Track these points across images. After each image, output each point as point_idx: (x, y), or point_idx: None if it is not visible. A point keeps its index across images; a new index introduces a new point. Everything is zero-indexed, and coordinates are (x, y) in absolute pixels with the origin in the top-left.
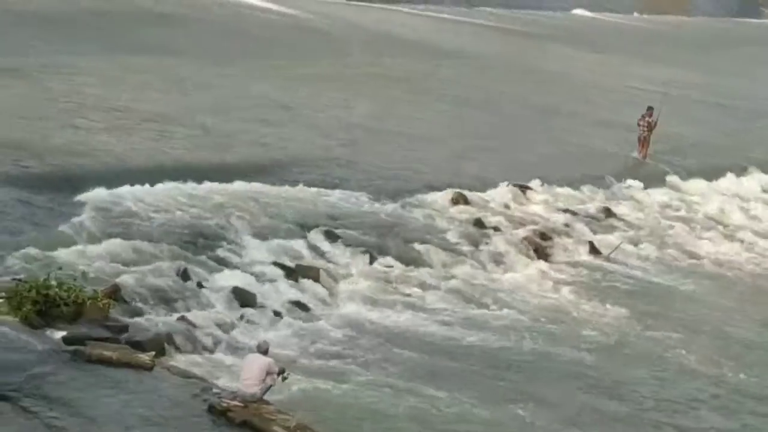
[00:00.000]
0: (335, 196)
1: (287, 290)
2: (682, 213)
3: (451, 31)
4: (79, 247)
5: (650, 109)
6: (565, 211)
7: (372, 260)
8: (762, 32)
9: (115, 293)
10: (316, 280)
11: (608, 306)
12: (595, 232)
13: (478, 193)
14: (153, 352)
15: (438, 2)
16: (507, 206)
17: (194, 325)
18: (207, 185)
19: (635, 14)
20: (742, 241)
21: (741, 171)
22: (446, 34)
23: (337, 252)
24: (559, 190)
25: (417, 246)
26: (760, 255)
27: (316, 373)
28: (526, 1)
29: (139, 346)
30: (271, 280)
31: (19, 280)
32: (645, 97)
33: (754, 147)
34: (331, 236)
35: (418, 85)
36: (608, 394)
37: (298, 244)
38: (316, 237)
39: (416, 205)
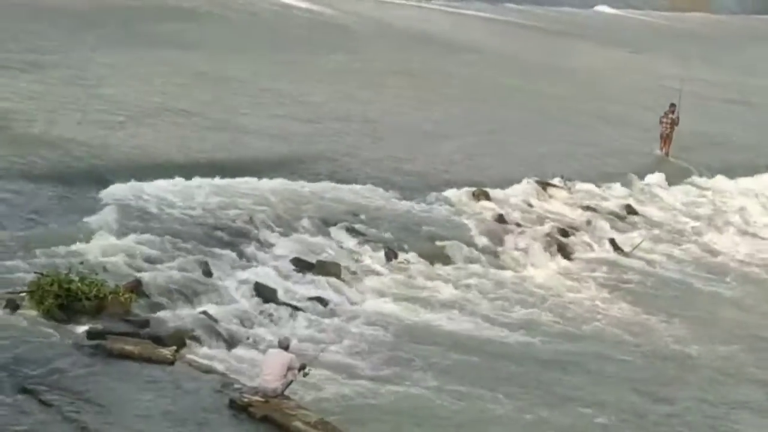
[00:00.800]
0: (357, 191)
1: (308, 286)
2: (705, 211)
3: (474, 27)
4: (101, 241)
5: (672, 105)
6: (587, 208)
7: (393, 256)
8: None
9: (136, 288)
10: (338, 276)
11: (630, 304)
12: (616, 230)
13: (500, 190)
14: (174, 347)
15: None
16: (529, 203)
17: (215, 320)
18: (229, 180)
19: (657, 12)
20: (764, 239)
21: (765, 169)
22: (469, 31)
23: (359, 248)
24: (580, 186)
25: (439, 242)
26: None
27: (336, 369)
28: None
29: (160, 340)
30: (293, 276)
31: (42, 274)
32: (667, 94)
33: None
34: (352, 232)
35: (441, 81)
36: (635, 391)
37: (320, 240)
38: (338, 233)
39: (438, 202)
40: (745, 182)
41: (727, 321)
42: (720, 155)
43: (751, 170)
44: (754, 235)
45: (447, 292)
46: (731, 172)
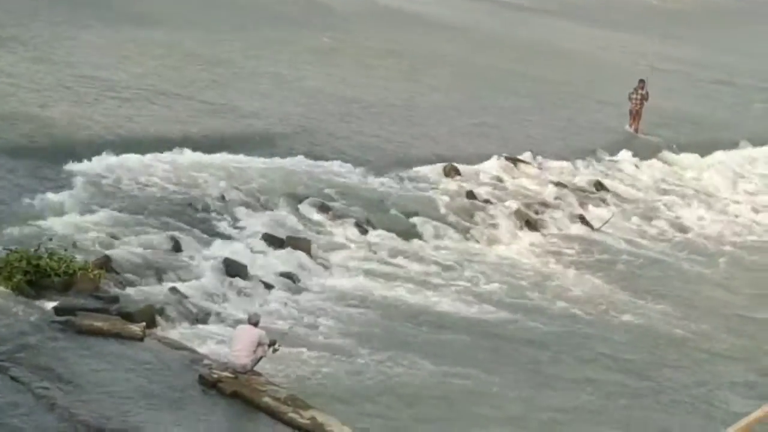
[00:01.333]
0: (328, 168)
1: (278, 262)
2: (674, 187)
3: (456, 5)
4: (71, 217)
5: (642, 81)
6: (557, 184)
7: (364, 232)
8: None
9: (106, 264)
10: (308, 252)
11: (598, 279)
12: (586, 205)
13: (471, 166)
14: (144, 323)
15: None
16: (499, 179)
17: (185, 296)
18: (199, 156)
19: None
20: (731, 215)
21: (733, 145)
22: (451, 9)
23: (329, 224)
24: (551, 163)
25: (409, 218)
26: (751, 229)
27: (306, 345)
28: None
29: (129, 317)
30: (262, 252)
31: (10, 250)
32: (641, 72)
33: (747, 122)
34: (323, 208)
35: (418, 59)
36: (599, 364)
37: (290, 216)
38: (308, 209)
39: (409, 178)
40: (714, 159)
41: (698, 297)
42: (690, 132)
43: (721, 147)
44: (723, 212)
45: (417, 267)
46: (701, 149)
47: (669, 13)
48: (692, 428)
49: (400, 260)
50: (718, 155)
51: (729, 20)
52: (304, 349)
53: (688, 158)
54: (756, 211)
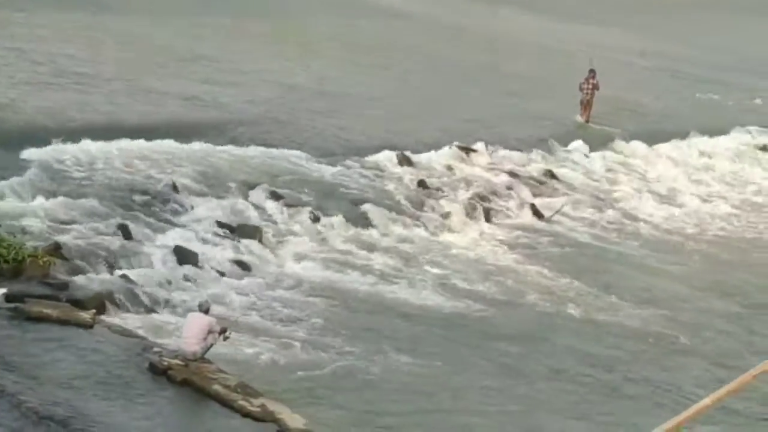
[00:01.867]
0: (280, 155)
1: (229, 249)
2: (624, 176)
3: None
4: (20, 204)
5: (592, 71)
6: (509, 173)
7: (315, 220)
8: None
9: (56, 251)
10: (259, 239)
11: (548, 268)
12: (537, 195)
13: (423, 155)
14: (93, 310)
15: None
16: (451, 168)
17: (135, 284)
18: (150, 144)
19: None
20: (682, 205)
21: (683, 135)
22: None
23: (280, 211)
24: (502, 152)
25: (360, 206)
26: (700, 218)
27: (257, 333)
28: None
29: (79, 303)
30: (213, 240)
31: None
32: (593, 62)
33: (696, 112)
34: (274, 196)
35: (369, 47)
36: (546, 353)
37: (241, 204)
38: (259, 196)
39: (361, 166)
40: (664, 148)
41: (649, 288)
42: (640, 121)
43: (671, 137)
44: (672, 201)
45: (369, 256)
46: (651, 138)
47: (624, 4)
48: (658, 420)
49: (352, 248)
50: (669, 145)
51: (679, 10)
52: (255, 337)
53: (638, 148)
54: (705, 201)
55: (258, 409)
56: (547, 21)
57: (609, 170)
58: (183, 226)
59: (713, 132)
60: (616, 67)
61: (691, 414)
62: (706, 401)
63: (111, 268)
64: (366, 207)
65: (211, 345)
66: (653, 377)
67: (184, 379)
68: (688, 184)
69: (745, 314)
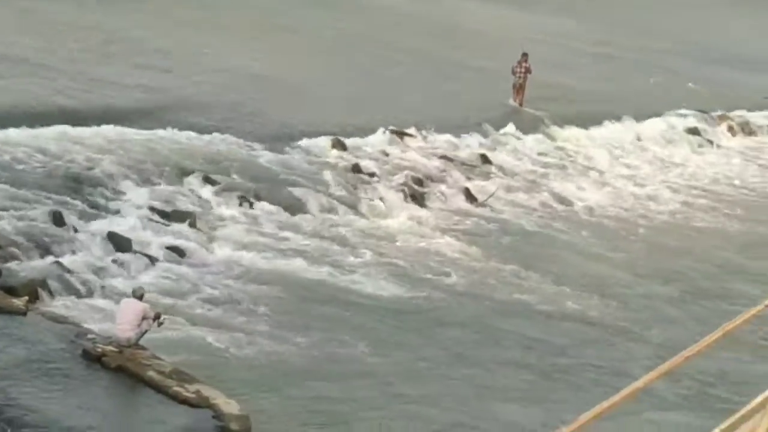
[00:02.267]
0: (214, 141)
1: (164, 235)
2: (557, 160)
3: None
4: None
5: (525, 55)
6: (442, 157)
7: (250, 205)
8: None
9: None
10: (194, 225)
11: (482, 252)
12: (471, 179)
13: (357, 139)
14: (26, 297)
15: None
16: (385, 152)
17: (69, 270)
18: (84, 130)
19: None
20: (614, 188)
21: (616, 119)
22: None
23: (215, 197)
24: (436, 136)
25: (295, 191)
26: (632, 202)
27: (191, 318)
28: None
29: (12, 291)
30: (147, 225)
31: None
32: (530, 47)
33: (629, 96)
34: (208, 181)
35: (305, 33)
36: (494, 339)
37: (176, 189)
38: (194, 182)
39: (295, 151)
40: (597, 132)
41: (586, 272)
42: (574, 105)
43: (605, 121)
44: (605, 184)
45: (303, 241)
46: (584, 122)
47: None
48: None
49: (286, 234)
50: (602, 129)
51: None
52: (189, 323)
53: (571, 132)
54: (638, 184)
55: (193, 396)
56: (483, 5)
57: (542, 154)
58: (116, 212)
59: (646, 115)
60: (551, 51)
61: (622, 397)
62: (638, 384)
63: (44, 254)
64: (301, 192)
65: (146, 331)
66: (599, 362)
67: (119, 366)
68: (621, 167)
69: (686, 299)
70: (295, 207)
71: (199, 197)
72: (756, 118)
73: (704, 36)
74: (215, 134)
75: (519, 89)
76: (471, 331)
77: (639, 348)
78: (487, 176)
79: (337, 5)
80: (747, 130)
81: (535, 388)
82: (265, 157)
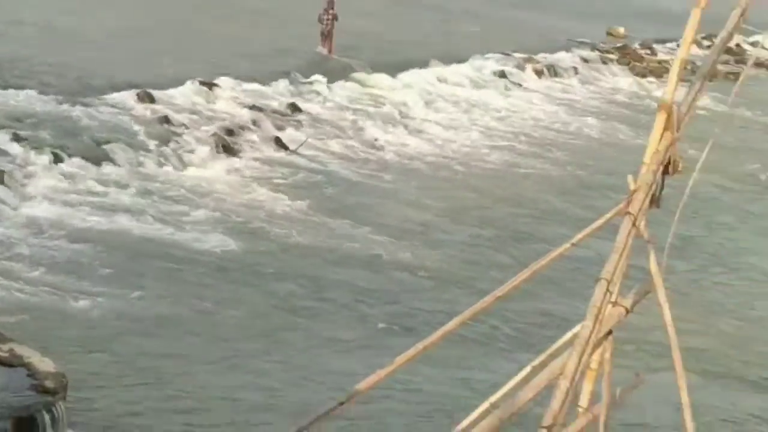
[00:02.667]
0: (18, 96)
1: None
2: (367, 107)
3: None
4: None
5: (331, 2)
6: (252, 107)
7: (58, 160)
8: None
9: None
10: (1, 182)
11: (295, 200)
12: (282, 128)
13: (165, 91)
14: None
15: None
16: (194, 103)
17: None
18: None
19: None
20: (428, 134)
21: (423, 64)
22: None
23: (22, 153)
24: (245, 86)
25: (104, 145)
26: (441, 147)
27: (4, 276)
28: None
29: None
30: None
31: None
32: None
33: (435, 40)
34: (15, 137)
35: None
36: (322, 288)
37: None
38: (1, 139)
39: (102, 104)
40: (405, 77)
41: (385, 211)
42: (381, 52)
43: (413, 66)
44: (414, 130)
45: (114, 195)
46: (392, 68)
47: None
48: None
49: (98, 188)
50: (410, 74)
51: None
52: (6, 283)
53: (380, 78)
54: (447, 128)
55: (6, 354)
56: None
57: (352, 101)
58: None
59: (453, 60)
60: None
61: (436, 338)
62: (450, 326)
63: None
64: (109, 146)
65: None
66: (430, 307)
67: None
68: (430, 112)
69: (506, 242)
70: (104, 160)
71: (6, 153)
72: (561, 60)
73: None
74: (19, 90)
75: (327, 37)
76: (304, 284)
77: (465, 293)
78: (297, 125)
79: None
80: (552, 72)
81: (370, 337)
82: (71, 110)
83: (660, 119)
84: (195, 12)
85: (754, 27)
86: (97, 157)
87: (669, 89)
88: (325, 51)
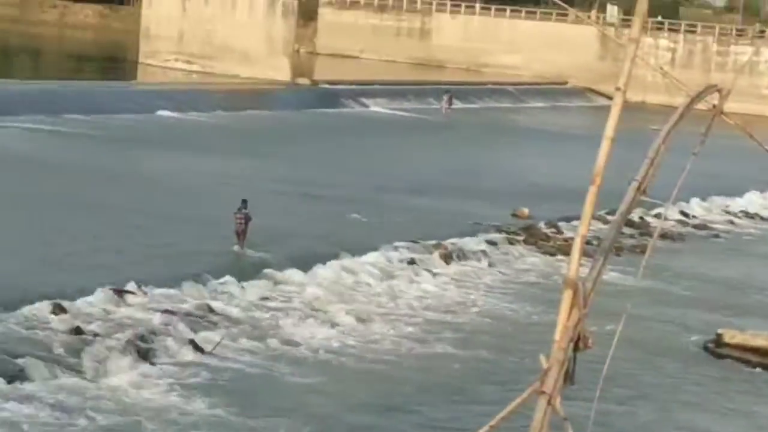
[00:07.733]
0: None
1: None
2: (280, 303)
3: (37, 141)
4: None
5: (244, 201)
6: (165, 311)
7: None
8: (341, 120)
9: None
10: None
11: (211, 403)
12: (196, 330)
13: (76, 302)
14: None
15: (15, 113)
16: (106, 311)
17: None
18: None
19: (218, 112)
20: (337, 326)
21: (333, 257)
22: (32, 144)
23: None
24: (157, 290)
25: (18, 360)
26: (354, 337)
27: None
28: (108, 105)
29: None
30: None
31: None
32: (231, 192)
33: (344, 232)
34: None
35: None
36: None
37: None
38: None
39: (14, 319)
40: (318, 271)
41: (318, 413)
42: (292, 247)
43: (321, 261)
44: (328, 322)
45: (29, 411)
46: (303, 264)
47: (239, 131)
48: None
49: (9, 405)
50: (321, 268)
51: (307, 134)
52: None
53: (291, 274)
54: (359, 320)
55: None
56: (188, 157)
57: (264, 298)
58: None
59: (361, 250)
60: (262, 195)
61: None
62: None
63: None
64: (23, 360)
65: None
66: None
67: None
68: (342, 304)
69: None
70: (19, 376)
71: None
72: (468, 244)
73: (410, 169)
74: None
75: (242, 234)
76: None
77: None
78: (212, 326)
79: (33, 168)
80: (462, 255)
81: None
82: None
83: (567, 296)
84: (101, 220)
85: (655, 199)
86: (9, 373)
87: (572, 266)
88: (239, 249)
